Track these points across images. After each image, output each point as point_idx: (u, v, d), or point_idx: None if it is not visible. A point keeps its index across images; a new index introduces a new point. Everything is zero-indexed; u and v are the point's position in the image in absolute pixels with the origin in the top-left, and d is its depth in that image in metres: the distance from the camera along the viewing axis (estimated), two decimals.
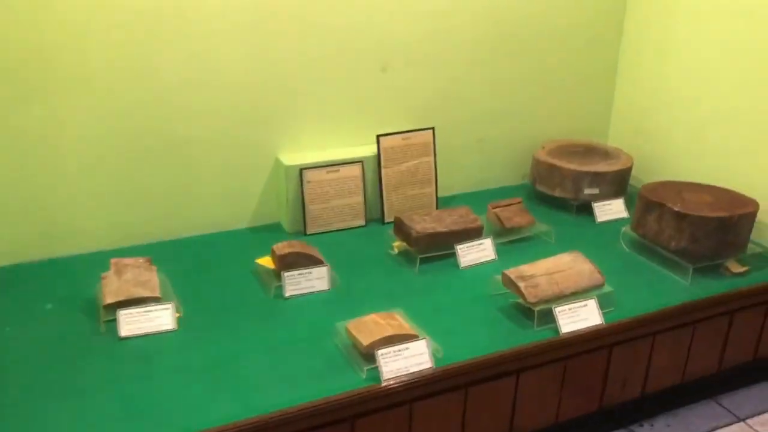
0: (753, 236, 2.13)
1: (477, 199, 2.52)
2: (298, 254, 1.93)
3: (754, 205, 2.07)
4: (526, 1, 2.47)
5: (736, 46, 2.25)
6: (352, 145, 2.36)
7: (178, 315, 1.78)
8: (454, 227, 2.11)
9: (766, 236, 2.21)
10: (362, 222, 2.33)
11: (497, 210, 2.26)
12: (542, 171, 2.49)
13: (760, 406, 2.07)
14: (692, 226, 1.99)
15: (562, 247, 2.16)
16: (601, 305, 1.81)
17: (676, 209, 2.01)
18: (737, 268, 2.05)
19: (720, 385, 2.10)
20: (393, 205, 2.35)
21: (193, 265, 2.07)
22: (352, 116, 2.35)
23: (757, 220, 2.10)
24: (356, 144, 2.37)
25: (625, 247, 2.21)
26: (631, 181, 2.59)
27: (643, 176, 2.63)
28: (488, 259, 2.11)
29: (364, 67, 2.31)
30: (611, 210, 2.42)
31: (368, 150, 2.33)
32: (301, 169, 2.20)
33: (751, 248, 2.10)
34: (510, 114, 2.62)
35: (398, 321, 1.68)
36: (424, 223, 2.08)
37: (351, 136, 2.36)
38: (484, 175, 2.65)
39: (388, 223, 2.31)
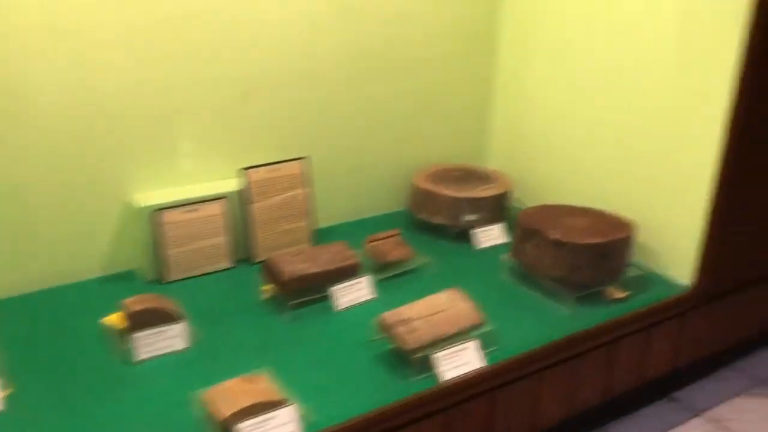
0: (632, 258, 2.11)
1: (357, 228, 2.39)
2: (150, 310, 1.70)
3: (630, 227, 2.05)
4: (396, 23, 2.35)
5: (612, 65, 2.22)
6: (214, 180, 2.16)
7: (6, 392, 1.52)
8: (329, 266, 1.95)
9: (644, 257, 2.20)
10: (230, 264, 2.13)
11: (375, 244, 2.13)
12: (420, 198, 2.39)
13: None
14: (571, 253, 1.94)
15: (444, 278, 2.07)
16: (483, 345, 1.71)
17: (554, 237, 1.95)
18: (618, 294, 2.01)
19: (608, 414, 2.06)
20: (264, 243, 2.17)
21: (29, 327, 1.80)
22: (212, 148, 2.15)
23: (634, 241, 2.08)
24: (219, 178, 2.16)
25: (505, 276, 2.13)
26: (514, 203, 2.54)
27: (525, 198, 2.59)
28: (367, 298, 1.97)
29: (223, 93, 2.11)
30: (491, 236, 2.34)
31: (233, 184, 2.13)
32: (155, 210, 1.98)
33: (631, 271, 2.08)
34: (387, 139, 2.49)
35: (264, 384, 1.50)
36: (295, 264, 1.92)
37: (213, 171, 2.16)
38: (363, 203, 2.52)
39: (259, 262, 2.12)
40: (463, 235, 2.35)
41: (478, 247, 2.31)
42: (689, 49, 1.99)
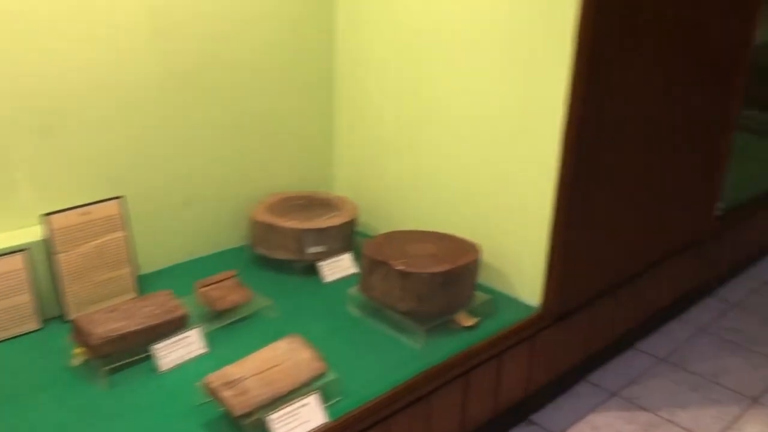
0: (480, 282, 2.05)
1: (191, 270, 2.17)
2: None
3: (477, 251, 1.98)
4: (222, 44, 2.15)
5: (451, 89, 2.14)
6: (12, 229, 1.86)
7: None
8: (150, 322, 1.72)
9: (492, 280, 2.14)
10: (36, 325, 1.84)
11: (206, 289, 1.92)
12: (260, 231, 2.20)
13: None
14: (417, 284, 1.83)
15: (287, 321, 1.92)
16: (326, 397, 1.56)
17: (399, 268, 1.84)
18: (468, 321, 1.93)
19: None
20: (78, 297, 1.90)
21: None
22: (8, 192, 1.85)
23: (481, 265, 2.02)
24: (15, 227, 1.87)
25: (354, 311, 1.99)
26: (362, 229, 2.42)
27: (373, 223, 2.47)
28: (197, 353, 1.75)
29: (19, 126, 1.82)
30: (340, 267, 2.20)
31: (36, 233, 1.85)
32: None
33: (479, 296, 2.01)
34: (220, 169, 2.28)
35: None
36: (107, 324, 1.67)
37: (10, 218, 1.86)
38: (197, 241, 2.29)
39: (71, 320, 1.85)
40: (310, 269, 2.19)
41: (326, 281, 2.17)
42: (519, 73, 1.94)
